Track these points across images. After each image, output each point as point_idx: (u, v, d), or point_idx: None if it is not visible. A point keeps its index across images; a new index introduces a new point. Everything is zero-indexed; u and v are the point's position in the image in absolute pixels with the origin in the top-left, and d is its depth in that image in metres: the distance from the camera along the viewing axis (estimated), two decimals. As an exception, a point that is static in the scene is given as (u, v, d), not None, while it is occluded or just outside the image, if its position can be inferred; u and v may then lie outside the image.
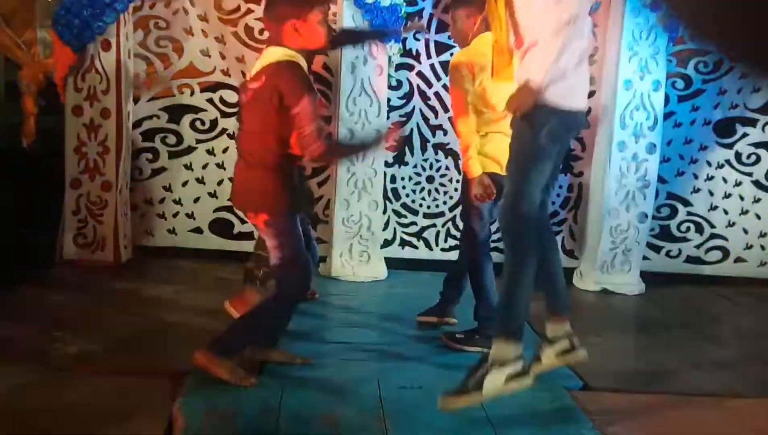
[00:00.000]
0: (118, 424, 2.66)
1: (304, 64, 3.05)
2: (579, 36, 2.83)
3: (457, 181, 5.21)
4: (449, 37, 5.02)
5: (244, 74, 4.49)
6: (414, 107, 5.04)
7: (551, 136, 2.85)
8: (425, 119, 5.08)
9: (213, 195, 5.05)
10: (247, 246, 5.01)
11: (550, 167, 2.94)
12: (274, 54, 3.02)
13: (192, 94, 4.96)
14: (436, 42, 5.05)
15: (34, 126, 5.05)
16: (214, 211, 5.08)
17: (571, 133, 3.13)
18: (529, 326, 3.86)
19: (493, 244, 3.93)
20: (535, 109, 2.79)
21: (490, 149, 3.58)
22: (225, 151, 4.98)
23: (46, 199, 4.89)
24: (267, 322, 3.18)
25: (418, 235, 5.22)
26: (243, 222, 5.06)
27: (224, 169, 4.99)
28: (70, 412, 2.75)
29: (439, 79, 5.03)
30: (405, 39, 4.94)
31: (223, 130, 5.00)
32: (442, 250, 5.23)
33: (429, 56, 5.05)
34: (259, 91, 2.99)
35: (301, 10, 3.01)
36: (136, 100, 4.92)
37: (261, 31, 4.81)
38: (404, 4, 4.77)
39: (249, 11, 4.88)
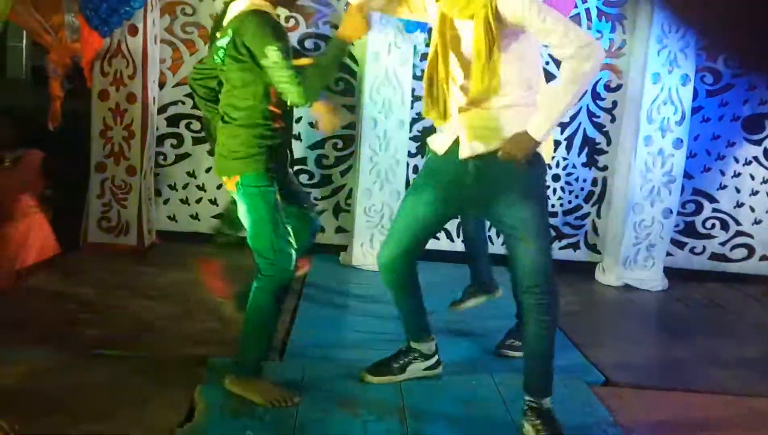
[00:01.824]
0: (138, 408, 2.68)
1: (273, 12, 2.81)
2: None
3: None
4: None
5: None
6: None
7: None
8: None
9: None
10: (269, 233, 5.05)
11: None
12: (239, 6, 2.81)
13: (217, 80, 4.97)
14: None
15: (60, 109, 5.09)
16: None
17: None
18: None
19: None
20: (536, 159, 2.64)
21: None
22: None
23: (71, 183, 4.93)
24: (266, 320, 2.87)
25: (439, 226, 5.20)
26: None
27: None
28: (91, 396, 2.77)
29: (464, 69, 5.00)
30: (430, 29, 4.90)
31: (248, 117, 5.01)
32: (463, 241, 5.20)
33: (454, 46, 5.01)
34: (228, 47, 2.78)
35: None
36: (161, 86, 4.95)
37: (287, 19, 4.81)
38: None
39: (275, -2, 4.87)
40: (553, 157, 5.15)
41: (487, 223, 3.71)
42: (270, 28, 2.68)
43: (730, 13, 4.48)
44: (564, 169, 5.19)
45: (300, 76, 2.65)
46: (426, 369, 3.15)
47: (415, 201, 2.84)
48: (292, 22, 4.88)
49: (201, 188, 5.08)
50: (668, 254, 5.15)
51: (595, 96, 5.08)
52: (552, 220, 5.24)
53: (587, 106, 5.08)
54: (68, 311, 3.61)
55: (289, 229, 2.82)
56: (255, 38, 2.67)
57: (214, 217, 4.88)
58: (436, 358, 3.18)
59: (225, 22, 2.85)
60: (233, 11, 2.82)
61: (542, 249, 2.68)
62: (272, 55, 2.64)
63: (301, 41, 4.95)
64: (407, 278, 2.98)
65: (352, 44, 3.06)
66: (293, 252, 2.79)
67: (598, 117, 5.12)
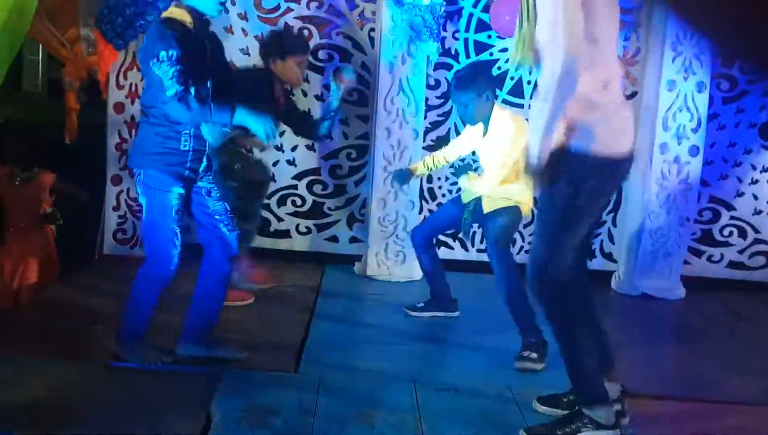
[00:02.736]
0: (155, 420, 2.68)
1: (187, 19, 2.97)
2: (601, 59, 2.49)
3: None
4: (488, 37, 5.00)
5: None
6: (452, 107, 5.01)
7: (594, 193, 2.54)
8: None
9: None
10: (284, 244, 5.05)
11: (589, 224, 2.63)
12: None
13: (231, 91, 4.99)
14: (475, 41, 5.02)
15: (76, 122, 5.13)
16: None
17: (618, 182, 2.77)
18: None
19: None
20: (573, 163, 2.48)
21: None
22: (262, 150, 5.00)
23: (88, 195, 4.96)
24: (134, 305, 3.15)
25: (453, 235, 5.19)
26: (279, 220, 5.09)
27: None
28: (108, 407, 2.77)
29: (477, 78, 4.99)
30: (444, 38, 4.91)
31: (262, 129, 5.02)
32: (478, 250, 5.19)
33: (468, 55, 5.02)
34: (140, 51, 3.03)
35: None
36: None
37: (300, 31, 4.82)
38: (444, 3, 4.74)
39: (288, 10, 4.91)
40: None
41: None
42: (167, 36, 2.86)
43: (744, 16, 4.45)
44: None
45: (181, 94, 2.84)
46: None
47: None
48: (305, 33, 4.89)
49: (216, 199, 5.09)
50: (685, 263, 5.11)
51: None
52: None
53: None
54: (85, 323, 3.62)
55: (177, 231, 3.01)
56: (149, 40, 2.93)
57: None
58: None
59: None
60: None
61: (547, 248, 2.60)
62: (160, 57, 2.85)
63: (314, 52, 4.95)
64: None
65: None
66: (174, 253, 3.01)
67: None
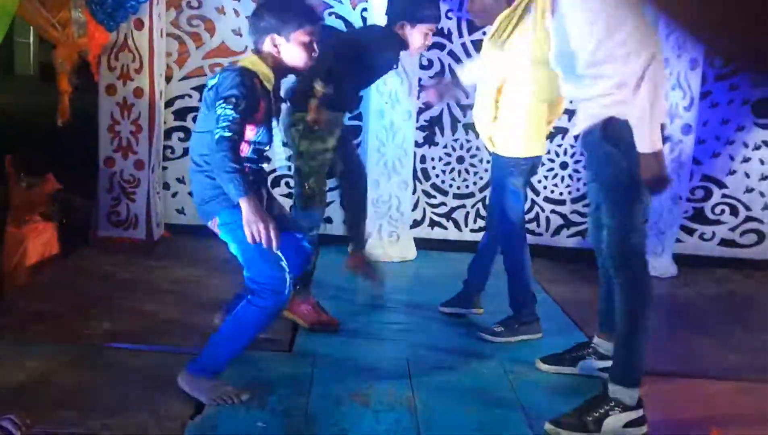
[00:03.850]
0: (150, 401, 2.70)
1: (267, 74, 2.76)
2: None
3: (488, 162, 5.17)
4: (481, 16, 4.99)
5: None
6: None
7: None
8: (456, 99, 5.04)
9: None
10: (278, 225, 5.05)
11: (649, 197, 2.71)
12: (243, 58, 2.84)
13: (223, 73, 4.97)
14: (468, 21, 5.00)
15: (68, 105, 5.11)
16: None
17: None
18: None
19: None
20: (627, 133, 2.57)
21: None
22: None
23: (81, 178, 4.96)
24: (235, 340, 2.79)
25: (447, 215, 5.21)
26: (273, 201, 5.09)
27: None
28: (102, 390, 2.79)
29: (470, 57, 4.98)
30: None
31: (254, 110, 5.01)
32: (472, 230, 5.21)
33: (461, 35, 5.00)
34: (207, 92, 2.73)
35: (285, 26, 2.75)
36: (168, 79, 4.96)
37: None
38: (436, -18, 4.71)
39: (280, -10, 4.87)
40: (560, 145, 5.15)
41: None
42: (246, 89, 2.61)
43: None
44: (572, 156, 5.17)
45: (230, 136, 2.54)
46: (601, 369, 3.06)
47: None
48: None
49: (209, 181, 5.09)
50: (678, 241, 5.14)
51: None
52: (560, 209, 5.24)
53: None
54: (79, 306, 3.63)
55: (280, 254, 2.72)
56: (224, 87, 2.62)
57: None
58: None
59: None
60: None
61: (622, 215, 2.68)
62: (224, 110, 2.57)
63: (306, 32, 4.92)
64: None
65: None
66: (287, 277, 2.72)
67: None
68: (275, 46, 2.77)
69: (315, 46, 2.82)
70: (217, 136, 2.55)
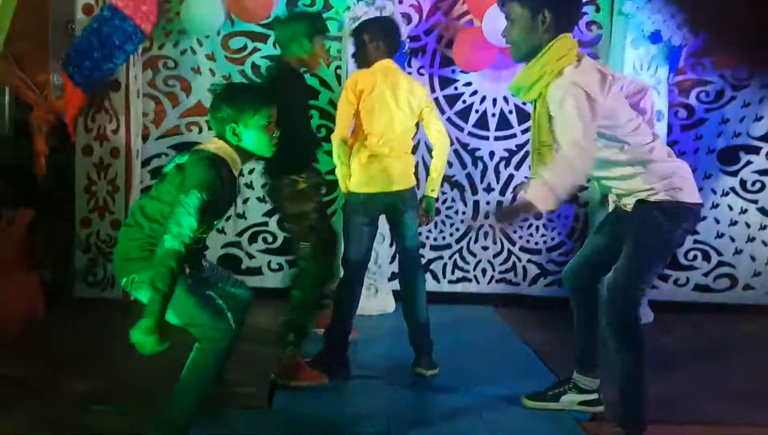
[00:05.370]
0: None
1: (235, 160, 2.82)
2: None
3: (464, 213, 5.25)
4: (452, 72, 5.12)
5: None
6: (419, 140, 5.09)
7: (684, 234, 2.95)
8: (431, 152, 5.11)
9: (221, 231, 5.09)
10: (254, 281, 5.04)
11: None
12: (211, 142, 2.85)
13: (200, 132, 5.03)
14: (439, 76, 5.13)
15: (44, 165, 5.12)
16: (222, 247, 5.12)
17: (694, 227, 3.17)
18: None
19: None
20: (675, 205, 2.84)
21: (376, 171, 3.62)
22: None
23: (57, 237, 4.93)
24: (202, 382, 2.84)
25: (425, 267, 5.23)
26: (251, 257, 5.11)
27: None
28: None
29: (443, 112, 5.09)
30: (410, 74, 5.00)
31: (231, 167, 5.06)
32: (449, 281, 5.25)
33: (433, 90, 5.12)
34: (175, 168, 2.77)
35: (242, 114, 2.79)
36: (144, 139, 5.00)
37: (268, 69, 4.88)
38: (408, 40, 4.85)
39: (255, 50, 4.98)
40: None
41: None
42: (211, 181, 2.65)
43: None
44: (546, 206, 5.25)
45: (181, 251, 2.57)
46: (581, 403, 3.29)
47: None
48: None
49: (187, 239, 5.09)
50: (653, 287, 5.19)
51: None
52: (536, 258, 5.30)
53: (565, 144, 5.16)
54: (57, 365, 3.59)
55: (218, 300, 2.85)
56: (191, 178, 2.65)
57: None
58: (596, 395, 3.30)
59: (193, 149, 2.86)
60: (204, 143, 2.85)
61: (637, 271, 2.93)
62: (186, 202, 2.60)
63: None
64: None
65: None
66: (225, 319, 2.78)
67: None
68: (235, 134, 2.80)
69: (275, 127, 2.86)
70: (168, 244, 2.57)
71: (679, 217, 2.85)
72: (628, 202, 2.95)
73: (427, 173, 3.89)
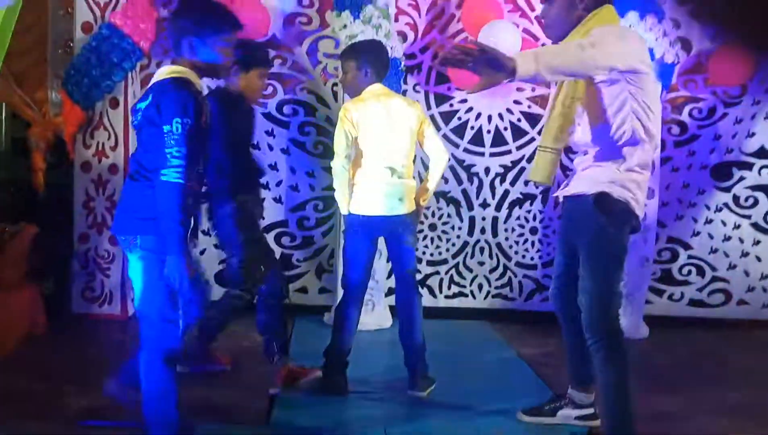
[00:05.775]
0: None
1: (196, 81, 2.75)
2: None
3: (459, 229, 5.28)
4: (447, 89, 5.17)
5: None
6: (415, 156, 5.11)
7: (628, 237, 2.90)
8: (427, 168, 5.15)
9: (218, 247, 5.09)
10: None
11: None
12: (163, 72, 2.76)
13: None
14: (435, 93, 5.18)
15: (42, 181, 5.14)
16: (219, 263, 5.12)
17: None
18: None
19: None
20: (618, 208, 2.82)
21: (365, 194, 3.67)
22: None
23: (55, 254, 4.95)
24: (165, 395, 2.80)
25: (421, 282, 5.26)
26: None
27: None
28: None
29: (439, 129, 5.13)
30: (405, 91, 5.06)
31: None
32: (446, 297, 5.28)
33: (429, 107, 5.16)
34: (146, 110, 2.67)
35: (201, 28, 2.72)
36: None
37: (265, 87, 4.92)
38: (404, 57, 4.90)
39: (253, 67, 5.01)
40: (529, 211, 5.28)
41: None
42: (186, 100, 2.61)
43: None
44: (540, 222, 5.29)
45: (181, 183, 2.55)
46: (578, 418, 3.29)
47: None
48: (270, 89, 5.00)
49: (184, 254, 5.11)
50: (647, 302, 5.23)
51: (567, 150, 5.20)
52: (531, 273, 5.33)
53: (560, 160, 5.20)
54: (56, 382, 3.60)
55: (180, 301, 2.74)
56: (167, 104, 2.61)
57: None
58: (592, 409, 3.29)
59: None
60: (156, 76, 2.79)
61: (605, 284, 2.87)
62: (176, 126, 2.58)
63: (279, 107, 5.07)
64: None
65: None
66: (181, 324, 2.74)
67: (572, 170, 5.24)
68: (191, 47, 2.73)
69: (231, 52, 2.82)
70: (166, 180, 2.56)
71: (621, 219, 2.84)
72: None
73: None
